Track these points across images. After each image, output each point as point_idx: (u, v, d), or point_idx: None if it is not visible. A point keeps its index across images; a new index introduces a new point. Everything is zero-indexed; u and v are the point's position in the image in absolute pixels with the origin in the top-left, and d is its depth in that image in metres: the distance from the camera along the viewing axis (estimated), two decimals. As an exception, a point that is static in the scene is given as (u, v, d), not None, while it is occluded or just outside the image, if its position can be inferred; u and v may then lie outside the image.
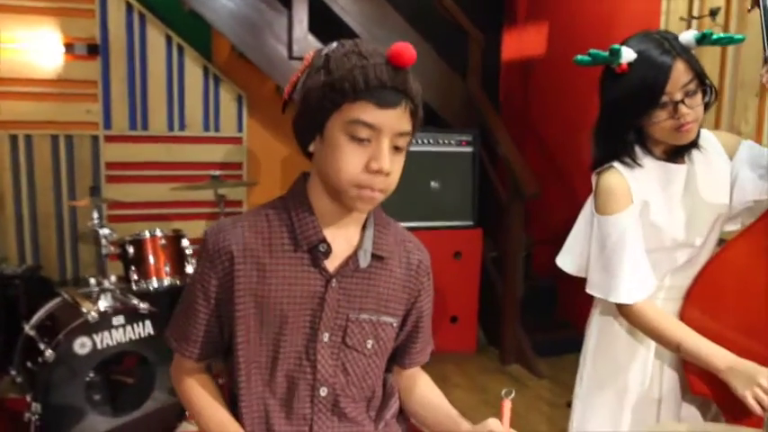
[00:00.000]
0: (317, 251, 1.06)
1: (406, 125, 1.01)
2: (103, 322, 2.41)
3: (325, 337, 1.07)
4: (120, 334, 2.45)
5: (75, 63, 3.70)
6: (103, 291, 2.53)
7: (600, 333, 1.68)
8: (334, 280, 1.06)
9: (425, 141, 3.71)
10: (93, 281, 2.57)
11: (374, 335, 1.10)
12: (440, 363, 3.13)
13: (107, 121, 3.79)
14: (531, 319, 3.80)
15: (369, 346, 1.10)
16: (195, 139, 3.97)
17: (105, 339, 2.41)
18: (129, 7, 3.74)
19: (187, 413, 2.50)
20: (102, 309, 2.44)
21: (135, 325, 2.48)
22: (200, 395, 1.13)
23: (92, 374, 2.49)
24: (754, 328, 1.42)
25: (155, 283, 2.79)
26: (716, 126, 2.78)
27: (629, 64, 1.41)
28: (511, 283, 3.69)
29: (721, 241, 1.60)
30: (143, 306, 2.51)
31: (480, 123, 3.97)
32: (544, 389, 3.38)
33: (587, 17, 3.83)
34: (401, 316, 1.15)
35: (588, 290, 1.58)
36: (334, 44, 1.04)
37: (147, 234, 2.80)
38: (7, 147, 3.63)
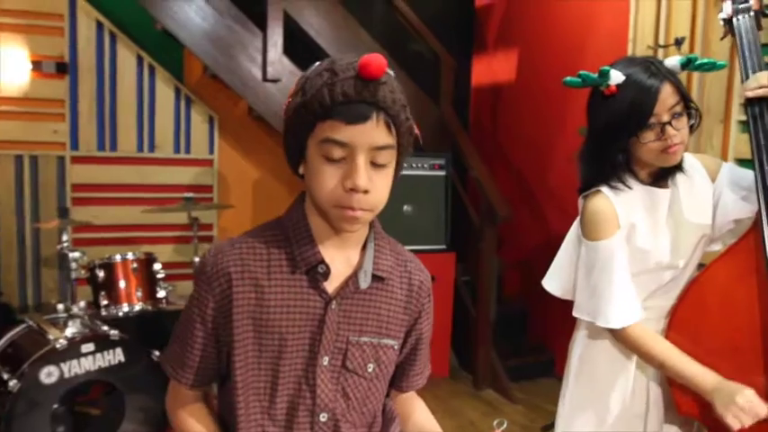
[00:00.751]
0: (315, 272, 1.04)
1: (384, 138, 0.97)
2: (72, 350, 2.32)
3: (325, 360, 1.04)
4: (89, 362, 2.36)
5: (43, 81, 3.63)
6: (72, 317, 2.45)
7: (583, 354, 1.68)
8: (333, 302, 1.04)
9: (398, 165, 3.71)
10: (60, 306, 2.48)
11: (375, 358, 1.08)
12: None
13: (74, 141, 3.71)
14: (503, 343, 3.81)
15: (370, 369, 1.08)
16: (165, 161, 3.90)
17: (73, 368, 2.32)
18: (100, 25, 3.69)
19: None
20: (70, 335, 2.36)
21: (105, 353, 2.39)
22: (196, 425, 1.09)
23: (57, 405, 2.39)
24: (738, 346, 1.44)
25: (125, 309, 2.71)
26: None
27: (618, 86, 1.44)
28: (484, 307, 3.70)
29: (701, 265, 1.64)
30: (113, 332, 2.43)
31: (452, 147, 4.00)
32: (518, 414, 3.38)
33: (556, 44, 3.93)
34: (402, 338, 1.13)
35: (575, 313, 1.59)
36: (316, 64, 1.02)
37: (119, 257, 2.73)
38: (-32, 167, 3.52)
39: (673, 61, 1.45)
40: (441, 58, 4.08)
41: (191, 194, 3.12)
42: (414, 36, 4.03)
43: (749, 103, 1.52)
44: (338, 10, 3.84)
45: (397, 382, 1.19)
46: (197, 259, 3.10)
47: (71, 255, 2.48)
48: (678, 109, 1.42)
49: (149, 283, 2.79)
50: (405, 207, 3.77)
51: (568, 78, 1.51)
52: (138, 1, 3.38)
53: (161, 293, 2.79)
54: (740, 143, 2.68)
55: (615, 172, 1.52)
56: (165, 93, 3.87)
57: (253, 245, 1.05)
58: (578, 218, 1.61)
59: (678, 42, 2.94)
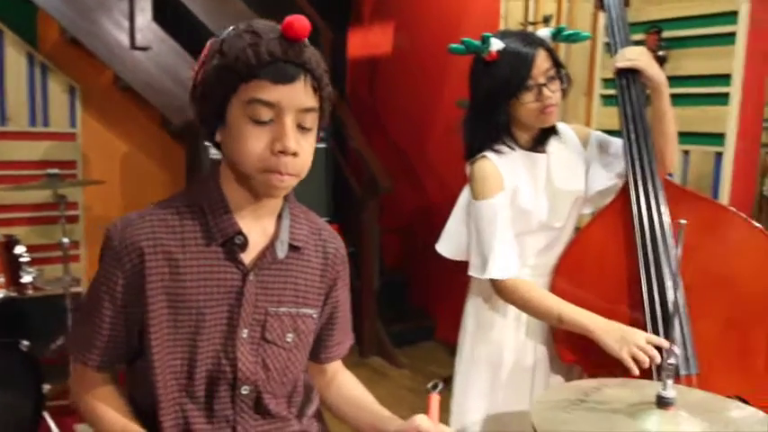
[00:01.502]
0: (232, 244, 1.01)
1: (310, 101, 0.96)
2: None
3: (245, 333, 1.02)
4: (-54, 355, 2.13)
5: None
6: None
7: (476, 313, 1.77)
8: (251, 273, 1.02)
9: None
10: None
11: (294, 328, 1.07)
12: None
13: None
14: (386, 311, 3.91)
15: (289, 339, 1.06)
16: (20, 135, 3.54)
17: (-72, 362, 2.09)
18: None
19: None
20: None
21: (-36, 344, 2.17)
22: (106, 409, 1.02)
23: None
24: (613, 296, 1.59)
25: (-15, 296, 2.46)
26: (552, 122, 3.06)
27: (498, 52, 1.54)
28: (368, 278, 3.77)
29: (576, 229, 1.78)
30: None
31: (332, 119, 3.99)
32: (404, 377, 3.49)
33: (431, 19, 4.02)
34: (320, 307, 1.13)
35: (470, 272, 1.65)
36: (230, 28, 0.99)
37: (-25, 241, 2.46)
38: None
39: (544, 32, 1.60)
40: (318, 29, 4.03)
41: (56, 170, 2.87)
42: (289, 7, 3.94)
43: (618, 75, 1.66)
44: (211, -24, 3.68)
45: (317, 353, 1.18)
46: (66, 240, 2.87)
47: None
48: (552, 73, 1.55)
49: (12, 267, 2.54)
50: (286, 180, 3.71)
51: (453, 45, 1.59)
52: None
53: (26, 278, 2.55)
54: (601, 115, 2.91)
55: (499, 136, 1.61)
56: (16, 60, 3.49)
57: (164, 217, 1.00)
58: (467, 183, 1.69)
59: (546, 20, 3.14)
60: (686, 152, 2.57)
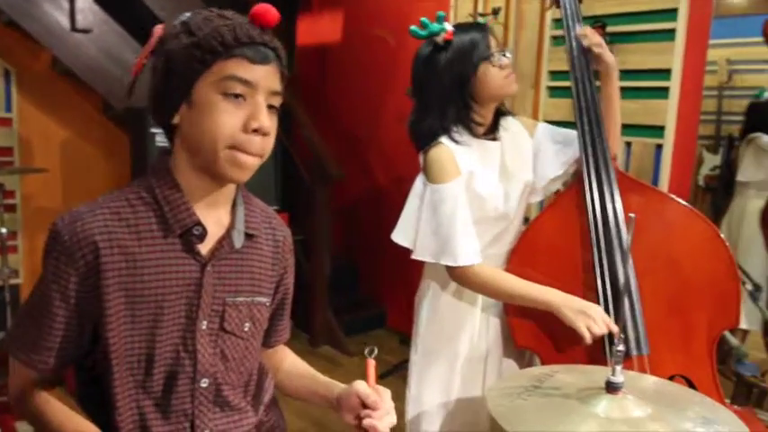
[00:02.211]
0: (190, 235, 0.99)
1: (278, 84, 0.99)
2: None
3: (204, 324, 1.01)
4: None
5: None
6: None
7: (431, 302, 1.79)
8: (209, 264, 1.01)
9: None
10: None
11: (250, 317, 1.07)
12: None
13: None
14: (336, 299, 3.92)
15: (246, 328, 1.06)
16: (-50, 120, 3.38)
17: None
18: None
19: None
20: None
21: None
22: (56, 410, 0.98)
23: None
24: (568, 281, 1.64)
25: None
26: (501, 113, 3.12)
27: (452, 32, 1.60)
28: (318, 266, 3.76)
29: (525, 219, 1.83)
30: None
31: (281, 106, 3.94)
32: (355, 366, 3.52)
33: (381, 8, 4.02)
34: (272, 295, 1.13)
35: (415, 255, 1.66)
36: (187, 14, 0.99)
37: None
38: None
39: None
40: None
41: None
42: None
43: (572, 63, 1.71)
44: (156, -42, 3.56)
45: (266, 338, 1.19)
46: (3, 231, 2.76)
47: None
48: (500, 45, 1.64)
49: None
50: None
51: (413, 27, 1.63)
52: None
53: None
54: (548, 107, 2.98)
55: (457, 121, 1.63)
56: (-56, 40, 3.33)
57: (116, 210, 0.98)
58: (421, 171, 1.70)
59: (495, 12, 3.18)
60: (628, 144, 2.66)
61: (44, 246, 0.97)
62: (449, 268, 1.63)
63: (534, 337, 1.64)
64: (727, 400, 1.82)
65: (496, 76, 1.60)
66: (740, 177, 3.34)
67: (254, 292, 1.08)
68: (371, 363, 1.05)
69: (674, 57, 2.51)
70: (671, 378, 1.52)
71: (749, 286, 2.50)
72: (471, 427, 1.75)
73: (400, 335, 3.85)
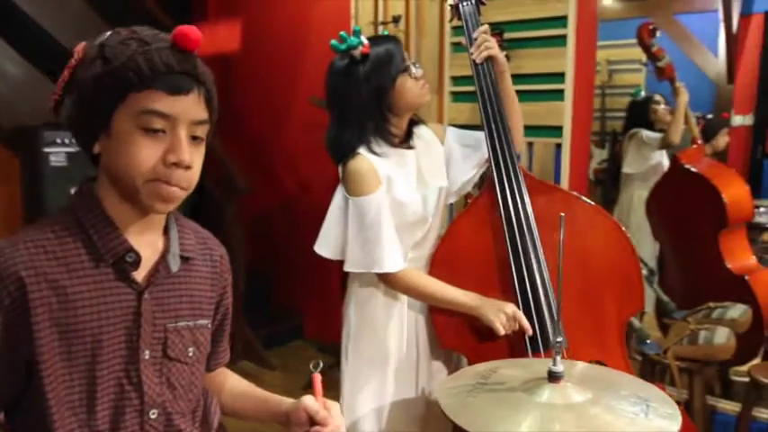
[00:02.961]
0: (123, 263, 0.96)
1: (202, 113, 0.95)
2: None
3: (146, 354, 0.97)
4: None
5: None
6: None
7: (359, 310, 1.82)
8: (146, 291, 0.98)
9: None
10: None
11: (194, 341, 1.05)
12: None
13: None
14: (253, 313, 3.85)
15: (190, 353, 1.04)
16: None
17: None
18: None
19: None
20: None
21: None
22: None
23: None
24: (487, 282, 1.72)
25: None
26: (408, 119, 3.19)
27: (369, 45, 1.63)
28: (234, 282, 3.66)
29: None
30: None
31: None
32: (277, 379, 3.48)
33: (280, 17, 4.00)
34: (212, 316, 1.11)
35: (348, 268, 1.70)
36: (108, 33, 0.95)
37: None
38: None
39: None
40: (160, 24, 3.84)
41: None
42: (129, 1, 3.72)
43: (476, 68, 1.78)
44: (37, -33, 3.36)
45: (207, 362, 1.16)
46: None
47: None
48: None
49: None
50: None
51: (334, 42, 1.65)
52: None
53: None
54: (452, 111, 3.08)
55: (376, 132, 1.67)
56: None
57: (40, 243, 0.92)
58: (340, 183, 1.73)
59: (396, 20, 3.25)
60: (530, 144, 2.81)
61: None
62: (378, 275, 1.67)
63: (458, 337, 1.72)
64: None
65: (413, 86, 1.66)
66: (626, 170, 3.61)
67: (195, 315, 1.05)
68: (318, 377, 1.06)
69: (566, 61, 2.68)
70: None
71: (644, 271, 2.71)
72: (406, 427, 1.80)
73: (317, 344, 3.85)
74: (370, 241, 1.64)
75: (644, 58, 4.51)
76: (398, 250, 1.67)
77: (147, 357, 0.97)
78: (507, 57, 2.78)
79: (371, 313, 1.79)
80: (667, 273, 3.12)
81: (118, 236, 0.95)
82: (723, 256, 2.72)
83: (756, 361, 2.52)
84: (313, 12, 3.80)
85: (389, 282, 1.70)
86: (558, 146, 2.75)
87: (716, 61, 4.28)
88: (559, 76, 2.70)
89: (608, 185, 4.21)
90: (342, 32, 1.64)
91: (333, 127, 1.72)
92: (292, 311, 4.15)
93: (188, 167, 0.93)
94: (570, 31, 2.66)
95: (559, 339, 1.08)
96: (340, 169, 1.72)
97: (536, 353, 1.63)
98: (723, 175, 2.82)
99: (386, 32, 1.75)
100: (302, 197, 3.96)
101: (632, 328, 2.32)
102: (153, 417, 0.98)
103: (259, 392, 1.20)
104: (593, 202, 1.76)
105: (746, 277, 2.66)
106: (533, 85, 2.74)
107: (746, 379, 2.32)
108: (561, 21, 2.67)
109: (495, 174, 1.72)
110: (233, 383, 1.24)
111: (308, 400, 1.04)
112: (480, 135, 1.79)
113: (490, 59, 1.77)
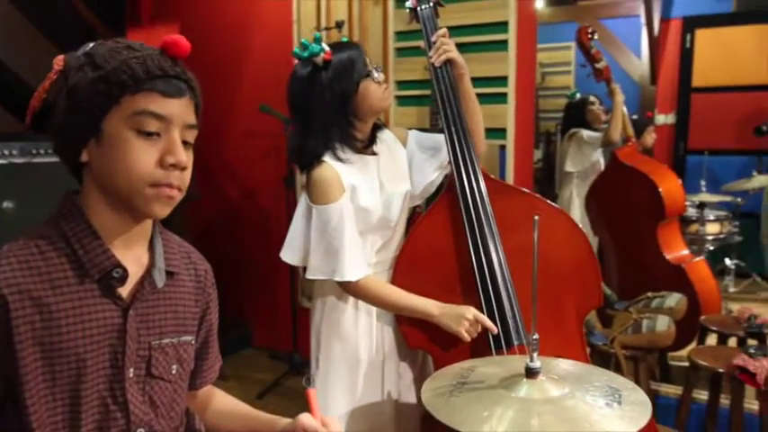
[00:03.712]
0: (109, 279, 0.94)
1: (193, 117, 0.97)
2: None
3: (131, 372, 0.96)
4: None
5: None
6: None
7: (325, 316, 1.83)
8: (131, 308, 0.96)
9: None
10: None
11: (177, 358, 1.03)
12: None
13: None
14: (201, 324, 3.79)
15: (174, 371, 1.03)
16: None
17: None
18: None
19: None
20: None
21: None
22: None
23: None
24: (450, 284, 1.76)
25: None
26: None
27: (330, 51, 1.64)
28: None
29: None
30: None
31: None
32: (232, 389, 3.42)
33: (220, 22, 3.93)
34: (196, 332, 1.10)
35: (309, 275, 1.71)
36: (91, 44, 0.96)
37: None
38: None
39: None
40: (95, 29, 3.72)
41: None
42: (63, 5, 3.58)
43: (436, 80, 1.82)
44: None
45: (192, 380, 1.14)
46: None
47: None
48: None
49: None
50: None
51: (296, 49, 1.66)
52: None
53: None
54: (398, 115, 3.12)
55: (340, 138, 1.68)
56: None
57: (24, 259, 0.90)
58: (304, 191, 1.74)
59: (339, 25, 3.26)
60: (477, 146, 2.88)
61: None
62: (340, 282, 1.69)
63: (424, 337, 1.75)
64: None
65: (377, 91, 1.68)
66: (567, 168, 3.75)
67: (180, 331, 1.04)
68: (312, 392, 1.03)
69: (508, 64, 2.77)
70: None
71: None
72: (376, 428, 1.82)
73: (269, 351, 3.82)
74: (331, 249, 1.66)
75: (573, 60, 4.71)
76: (360, 258, 1.69)
77: (131, 376, 0.96)
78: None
79: (338, 318, 1.80)
80: (606, 266, 3.27)
81: (105, 250, 0.94)
82: (661, 247, 2.88)
83: (693, 345, 2.68)
84: (253, 17, 3.76)
85: (350, 290, 1.72)
86: (503, 147, 2.84)
87: (639, 63, 4.52)
88: (502, 80, 2.78)
89: (544, 184, 4.36)
90: (303, 40, 1.65)
91: (296, 135, 1.72)
92: (241, 320, 4.10)
93: (184, 168, 0.94)
94: (511, 35, 2.75)
95: (535, 337, 1.13)
96: (304, 177, 1.73)
97: (499, 350, 1.68)
98: (658, 171, 2.99)
99: (345, 39, 1.76)
100: (246, 204, 3.91)
101: (580, 320, 2.42)
102: None
103: (248, 411, 1.17)
104: (551, 203, 1.83)
105: (683, 266, 2.83)
106: (477, 89, 2.79)
107: (686, 363, 2.46)
108: (502, 26, 2.76)
109: (455, 175, 1.76)
110: (220, 401, 1.22)
111: (305, 418, 1.01)
112: (441, 137, 1.83)
113: (449, 62, 1.80)
